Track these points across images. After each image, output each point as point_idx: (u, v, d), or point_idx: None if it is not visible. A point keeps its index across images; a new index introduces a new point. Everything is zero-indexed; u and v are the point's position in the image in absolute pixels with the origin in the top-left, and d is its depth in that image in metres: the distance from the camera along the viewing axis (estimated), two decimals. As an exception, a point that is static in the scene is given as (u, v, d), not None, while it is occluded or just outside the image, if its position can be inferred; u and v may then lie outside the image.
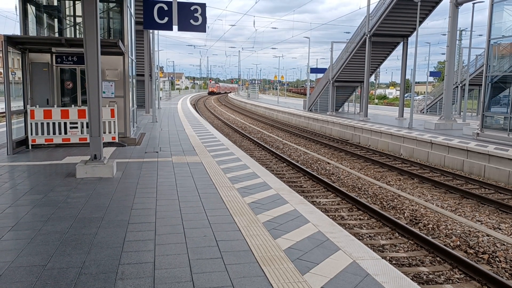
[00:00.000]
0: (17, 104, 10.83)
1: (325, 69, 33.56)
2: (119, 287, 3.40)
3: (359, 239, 6.45)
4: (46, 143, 10.80)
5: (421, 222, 8.24)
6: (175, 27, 9.82)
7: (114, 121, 11.20)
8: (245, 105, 54.32)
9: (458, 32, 29.30)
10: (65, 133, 10.90)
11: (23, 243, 4.33)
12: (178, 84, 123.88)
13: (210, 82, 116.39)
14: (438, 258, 6.44)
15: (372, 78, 58.18)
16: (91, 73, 7.44)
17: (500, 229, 7.97)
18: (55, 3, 12.98)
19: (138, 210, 5.52)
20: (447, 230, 7.76)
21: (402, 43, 25.00)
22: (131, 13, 13.03)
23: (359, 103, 32.19)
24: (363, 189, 10.92)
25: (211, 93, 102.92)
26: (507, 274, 6.11)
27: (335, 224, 5.16)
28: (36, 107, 10.69)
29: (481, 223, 8.27)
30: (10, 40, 9.83)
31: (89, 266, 3.78)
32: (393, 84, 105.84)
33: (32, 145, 10.64)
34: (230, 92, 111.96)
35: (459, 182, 12.12)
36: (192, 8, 9.76)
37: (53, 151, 10.41)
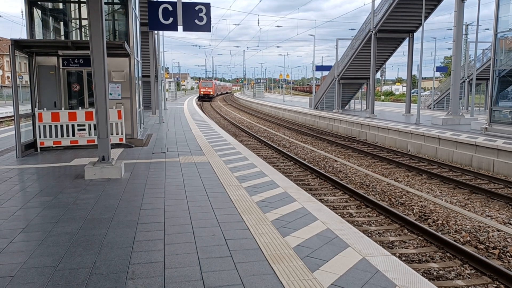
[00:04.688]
0: (25, 108, 10.92)
1: (331, 66, 33.47)
2: (130, 287, 3.42)
3: (368, 236, 6.43)
4: (54, 145, 10.89)
5: (430, 218, 8.19)
6: (180, 28, 9.86)
7: (121, 123, 11.26)
8: (251, 104, 54.31)
9: (464, 26, 29.05)
10: (73, 135, 10.98)
11: (34, 244, 4.37)
12: (184, 85, 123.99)
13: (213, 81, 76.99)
14: (448, 254, 6.40)
15: (378, 75, 58.04)
16: (98, 75, 7.49)
17: (510, 224, 7.90)
18: (61, 7, 13.06)
19: (147, 210, 5.55)
20: (456, 226, 7.71)
21: (407, 38, 24.85)
22: (136, 14, 13.08)
23: (365, 100, 32.08)
24: (371, 186, 10.88)
25: (205, 98, 65.26)
26: (518, 269, 6.06)
27: (343, 221, 5.14)
28: (44, 110, 10.78)
29: (491, 218, 8.20)
30: (17, 44, 9.91)
31: (100, 267, 3.81)
32: (399, 80, 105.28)
33: (40, 147, 10.73)
34: (228, 92, 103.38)
35: (468, 177, 12.03)
36: (196, 8, 9.78)
37: (62, 153, 10.49)
